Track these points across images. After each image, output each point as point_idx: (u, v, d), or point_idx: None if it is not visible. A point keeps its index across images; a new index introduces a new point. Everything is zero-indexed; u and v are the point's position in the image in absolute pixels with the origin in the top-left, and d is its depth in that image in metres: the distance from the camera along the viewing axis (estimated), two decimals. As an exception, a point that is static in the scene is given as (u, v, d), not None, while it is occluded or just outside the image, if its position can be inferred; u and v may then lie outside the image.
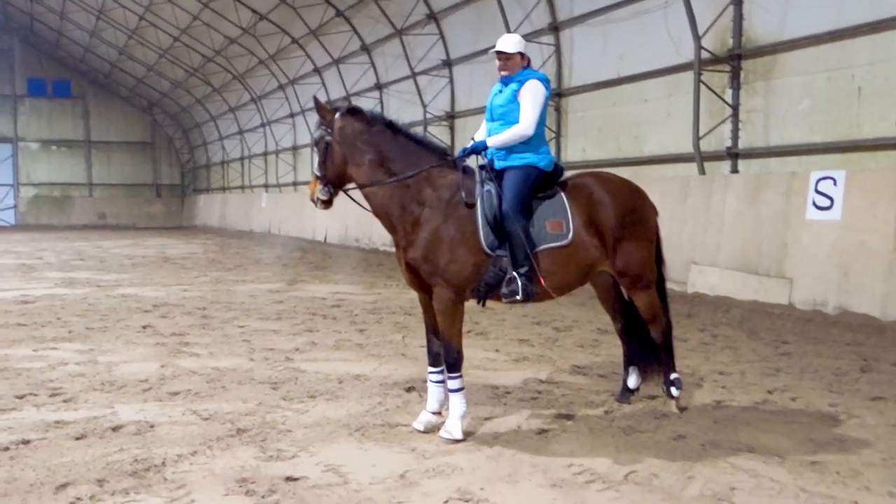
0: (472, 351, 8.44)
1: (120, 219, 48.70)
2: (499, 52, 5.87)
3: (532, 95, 5.72)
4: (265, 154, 37.03)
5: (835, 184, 10.14)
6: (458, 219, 5.56)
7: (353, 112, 5.79)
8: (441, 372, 5.77)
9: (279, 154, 35.00)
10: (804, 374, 7.49)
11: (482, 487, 4.59)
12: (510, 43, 5.85)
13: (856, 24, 10.64)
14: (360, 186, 5.76)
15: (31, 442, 5.34)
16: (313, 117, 6.11)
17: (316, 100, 5.89)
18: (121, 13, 34.69)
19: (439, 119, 21.97)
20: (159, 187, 51.20)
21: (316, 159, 5.91)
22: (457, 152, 6.09)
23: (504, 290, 5.58)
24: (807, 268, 10.40)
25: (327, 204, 5.93)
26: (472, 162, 5.97)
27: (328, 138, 5.71)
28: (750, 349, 8.72)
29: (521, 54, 5.88)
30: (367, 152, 5.66)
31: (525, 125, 5.69)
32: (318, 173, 5.85)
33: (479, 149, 5.82)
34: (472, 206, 5.59)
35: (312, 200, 5.94)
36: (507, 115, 5.82)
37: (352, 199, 5.98)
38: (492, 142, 5.76)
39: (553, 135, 16.99)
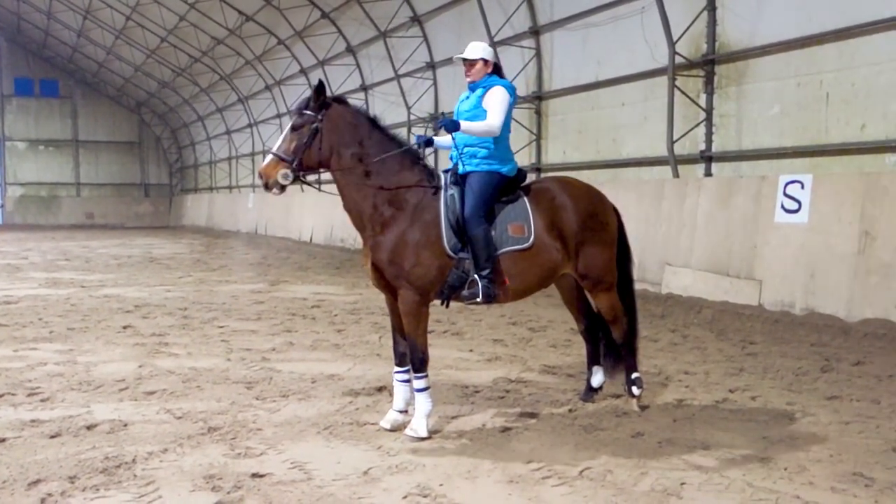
0: (445, 350, 8.63)
1: (108, 218, 48.65)
2: (463, 60, 6.04)
3: (497, 100, 5.87)
4: (252, 154, 37.08)
5: (802, 187, 10.37)
6: (423, 223, 5.70)
7: (342, 101, 5.87)
8: (407, 371, 5.93)
9: (266, 154, 35.02)
10: (766, 374, 7.70)
11: (441, 483, 4.76)
12: (472, 50, 6.03)
13: (824, 31, 10.86)
14: (341, 185, 5.81)
15: (6, 440, 5.48)
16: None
17: (321, 83, 5.81)
18: (108, 13, 34.71)
19: (423, 121, 22.14)
20: (147, 187, 51.17)
21: (282, 140, 5.77)
22: (426, 141, 6.16)
23: (465, 292, 5.73)
24: (775, 269, 10.62)
25: (283, 189, 5.79)
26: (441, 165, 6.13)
27: (317, 124, 5.68)
28: (717, 349, 8.93)
29: (485, 60, 6.03)
30: (352, 145, 5.75)
31: (493, 122, 5.81)
32: (286, 156, 5.67)
33: (449, 127, 5.78)
34: (437, 191, 5.74)
35: (266, 183, 5.71)
36: (473, 120, 5.97)
37: (309, 184, 6.03)
38: (464, 125, 5.80)
39: (534, 137, 17.19)
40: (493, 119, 5.83)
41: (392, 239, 5.66)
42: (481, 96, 5.95)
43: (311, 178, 6.07)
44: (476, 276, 5.68)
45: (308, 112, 5.72)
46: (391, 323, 6.09)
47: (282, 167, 5.66)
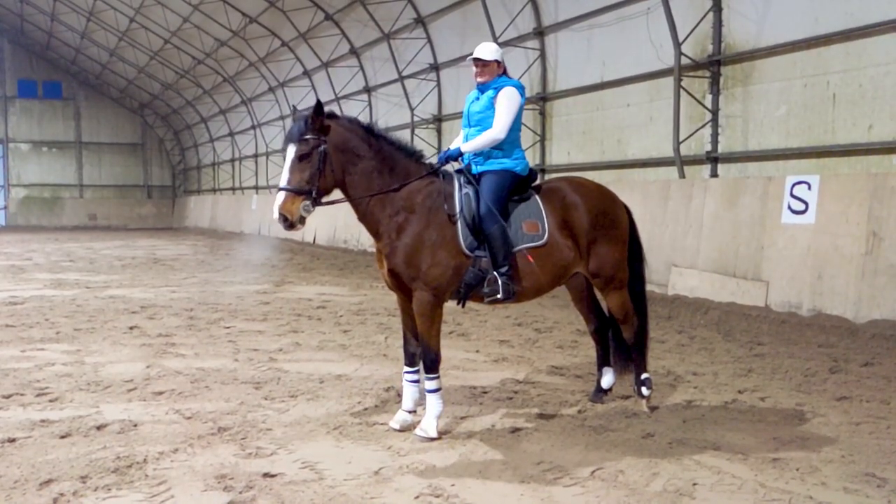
0: (452, 351, 8.62)
1: (111, 220, 48.71)
2: (476, 59, 6.03)
3: (507, 102, 5.89)
4: (256, 156, 37.14)
5: (809, 188, 10.35)
6: (438, 223, 5.70)
7: (334, 117, 5.73)
8: (416, 372, 5.93)
9: (269, 156, 35.12)
10: (775, 375, 7.69)
11: (453, 483, 4.75)
12: (487, 51, 6.02)
13: (831, 32, 10.85)
14: (354, 196, 5.72)
15: (16, 440, 5.48)
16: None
17: (319, 104, 5.59)
18: (111, 15, 34.77)
19: (427, 122, 22.16)
20: (150, 189, 51.22)
21: (289, 173, 5.49)
22: (438, 157, 6.22)
23: (485, 289, 5.73)
24: (782, 270, 10.61)
25: (304, 222, 5.58)
26: (450, 166, 6.15)
27: (324, 147, 5.50)
28: (725, 350, 8.92)
29: (498, 62, 6.05)
30: (360, 159, 5.68)
31: (497, 130, 5.85)
32: (301, 188, 5.44)
33: (454, 155, 5.95)
34: (452, 216, 5.72)
35: (291, 222, 5.44)
36: (485, 121, 5.99)
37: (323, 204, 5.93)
38: (466, 147, 5.91)
39: (538, 138, 17.18)
40: (497, 125, 5.85)
41: (408, 242, 5.63)
42: (493, 97, 5.95)
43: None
44: (495, 273, 5.68)
45: (310, 137, 5.48)
46: (402, 323, 6.08)
47: (300, 200, 5.45)
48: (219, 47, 32.69)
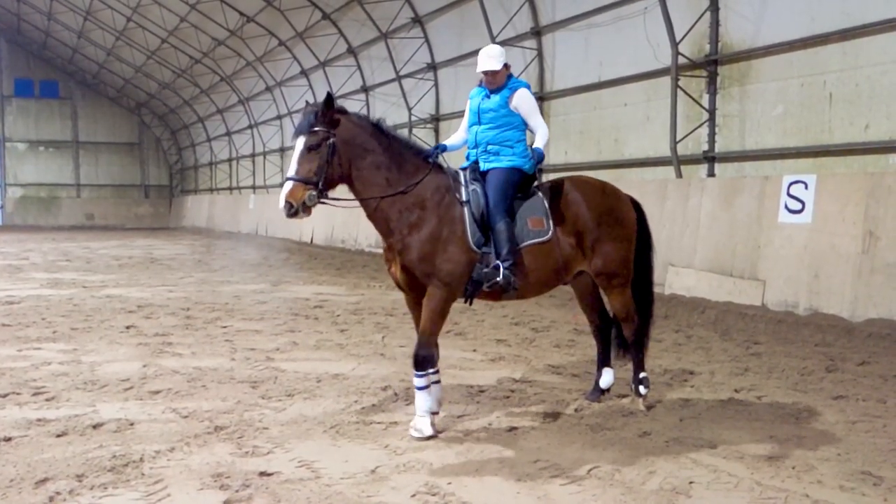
0: (449, 351, 8.61)
1: (108, 220, 48.66)
2: (486, 72, 6.04)
3: (529, 103, 6.09)
4: (253, 155, 37.11)
5: (806, 188, 10.37)
6: (450, 220, 5.73)
7: (345, 112, 5.74)
8: (437, 372, 5.92)
9: (267, 155, 35.10)
10: (771, 374, 7.70)
11: (449, 482, 4.75)
12: (494, 59, 6.02)
13: (827, 31, 10.87)
14: (360, 192, 5.73)
15: (12, 439, 5.47)
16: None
17: (329, 97, 5.61)
18: (108, 14, 34.72)
19: (424, 122, 22.16)
20: (147, 188, 51.19)
21: (297, 163, 5.54)
22: (442, 149, 6.13)
23: (485, 270, 5.72)
24: (779, 270, 10.62)
25: (309, 211, 5.67)
26: (450, 162, 6.18)
27: (333, 139, 5.52)
28: (721, 349, 8.93)
29: (506, 65, 6.10)
30: (368, 154, 5.69)
31: (544, 128, 6.21)
32: (309, 178, 5.50)
33: (541, 159, 6.17)
34: (463, 204, 5.76)
35: (295, 209, 5.52)
36: (497, 119, 6.04)
37: (331, 202, 5.89)
38: (541, 144, 6.18)
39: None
40: (539, 125, 6.14)
41: (421, 238, 5.65)
42: (508, 97, 6.02)
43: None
44: (498, 262, 5.71)
45: (319, 129, 5.51)
46: (415, 322, 6.06)
47: (308, 189, 5.50)
48: (216, 46, 32.66)
